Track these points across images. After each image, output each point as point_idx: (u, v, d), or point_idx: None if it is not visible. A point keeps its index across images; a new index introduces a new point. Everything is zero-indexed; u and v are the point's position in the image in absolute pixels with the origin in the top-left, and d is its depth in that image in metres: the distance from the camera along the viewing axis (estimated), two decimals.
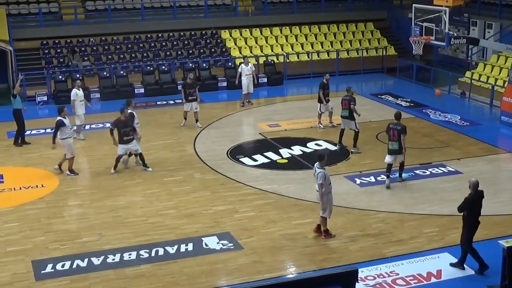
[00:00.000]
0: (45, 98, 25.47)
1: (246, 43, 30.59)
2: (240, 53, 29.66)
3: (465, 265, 12.30)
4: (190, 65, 28.17)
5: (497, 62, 27.03)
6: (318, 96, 21.40)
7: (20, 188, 16.77)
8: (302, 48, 30.80)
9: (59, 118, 17.26)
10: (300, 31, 31.79)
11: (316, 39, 31.56)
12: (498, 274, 11.14)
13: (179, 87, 24.46)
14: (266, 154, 19.15)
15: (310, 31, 31.95)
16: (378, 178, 17.02)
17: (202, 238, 13.70)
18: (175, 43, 30.04)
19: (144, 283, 12.02)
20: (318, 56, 30.45)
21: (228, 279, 12.24)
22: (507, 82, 23.16)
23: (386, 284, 11.89)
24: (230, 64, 28.60)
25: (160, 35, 30.17)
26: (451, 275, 12.20)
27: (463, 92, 26.31)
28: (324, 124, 21.60)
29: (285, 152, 19.31)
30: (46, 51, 28.31)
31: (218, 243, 13.51)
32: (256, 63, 28.72)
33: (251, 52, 30.00)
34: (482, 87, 25.73)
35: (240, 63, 25.64)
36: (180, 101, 22.74)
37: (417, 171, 17.52)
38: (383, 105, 24.77)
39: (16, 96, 20.13)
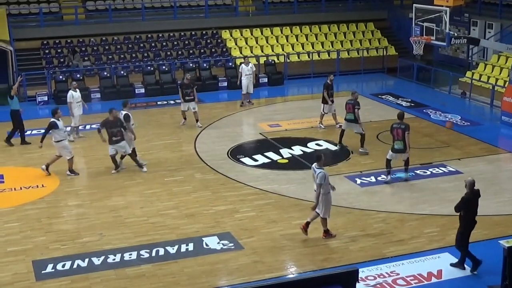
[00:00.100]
0: (45, 98, 25.47)
1: (246, 43, 30.59)
2: (241, 53, 29.66)
3: (465, 265, 12.30)
4: (191, 65, 28.18)
5: (498, 62, 27.02)
6: (322, 97, 21.37)
7: (21, 188, 16.78)
8: (303, 48, 30.81)
9: (52, 119, 17.25)
10: (301, 31, 31.80)
11: (316, 39, 31.56)
12: (498, 274, 11.13)
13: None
14: (266, 154, 19.15)
15: (310, 31, 31.95)
16: (379, 178, 17.03)
17: (203, 238, 13.70)
18: (175, 43, 30.05)
19: (144, 283, 12.02)
20: (319, 56, 30.45)
21: (229, 279, 12.24)
22: (507, 82, 23.17)
23: (387, 284, 11.89)
24: (230, 64, 28.61)
25: (160, 35, 30.17)
26: (452, 275, 12.20)
27: (464, 92, 26.31)
28: (326, 124, 21.56)
29: (285, 152, 19.31)
30: (47, 51, 28.31)
31: (218, 243, 13.52)
32: (257, 63, 28.73)
33: (251, 52, 30.00)
34: (482, 87, 25.73)
35: (241, 63, 25.65)
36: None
37: (418, 171, 17.52)
38: (384, 105, 24.77)
39: (14, 97, 20.17)
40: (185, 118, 22.15)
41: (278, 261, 12.84)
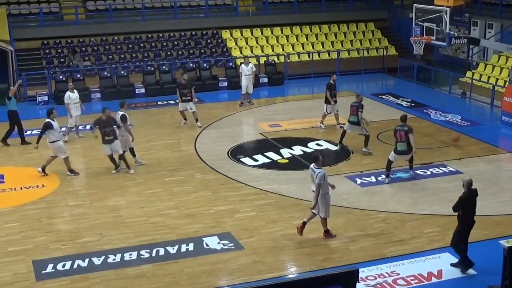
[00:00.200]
0: (45, 98, 25.48)
1: (247, 43, 30.60)
2: (241, 53, 29.66)
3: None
4: (191, 65, 28.19)
5: (498, 62, 27.01)
6: (325, 97, 21.35)
7: (21, 188, 16.78)
8: (303, 48, 30.80)
9: (47, 120, 17.25)
10: (301, 31, 31.79)
11: (317, 39, 31.56)
12: (498, 274, 11.13)
13: None
14: (266, 154, 19.15)
15: (311, 31, 31.95)
16: (379, 178, 17.03)
17: (203, 238, 13.70)
18: (175, 43, 30.05)
19: (144, 283, 12.03)
20: (319, 56, 30.45)
21: (229, 279, 12.24)
22: (507, 82, 23.17)
23: (387, 284, 11.89)
24: (231, 64, 28.61)
25: (161, 35, 30.17)
26: (452, 275, 12.20)
27: (464, 92, 26.31)
28: (327, 124, 21.54)
29: (285, 152, 19.30)
30: (47, 51, 28.32)
31: (218, 243, 13.52)
32: (257, 63, 28.74)
33: (252, 52, 30.00)
34: (482, 87, 25.72)
35: (241, 63, 25.65)
36: None
37: (418, 171, 17.51)
38: (384, 105, 24.77)
39: (11, 98, 20.21)
40: (185, 119, 22.16)
41: (278, 261, 12.84)
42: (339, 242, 13.49)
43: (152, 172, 17.73)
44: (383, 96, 26.04)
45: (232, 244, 13.46)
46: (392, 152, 16.74)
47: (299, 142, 20.17)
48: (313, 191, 13.36)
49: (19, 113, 20.48)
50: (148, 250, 13.19)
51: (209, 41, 30.48)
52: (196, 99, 22.47)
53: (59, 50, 28.51)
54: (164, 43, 29.89)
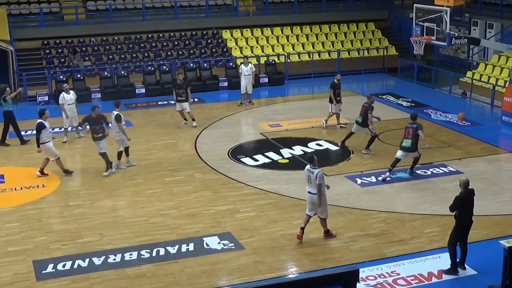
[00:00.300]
0: (46, 98, 25.48)
1: (247, 43, 30.60)
2: (241, 53, 29.67)
3: (465, 265, 12.29)
4: (191, 65, 28.19)
5: (498, 62, 27.02)
6: (329, 96, 21.33)
7: (21, 188, 16.79)
8: (303, 48, 30.81)
9: (39, 121, 17.24)
10: (301, 31, 31.80)
11: (317, 39, 31.57)
12: (499, 274, 11.12)
13: None
14: (267, 154, 19.16)
15: (311, 31, 31.96)
16: (379, 178, 17.03)
17: (203, 238, 13.71)
18: (176, 43, 30.05)
19: (145, 283, 12.03)
20: (319, 56, 30.45)
21: (229, 279, 12.24)
22: (508, 82, 23.16)
23: (387, 284, 11.89)
24: (231, 64, 28.61)
25: (161, 35, 30.18)
26: (452, 275, 12.17)
27: (464, 92, 26.31)
28: (328, 124, 21.52)
29: (286, 152, 19.30)
30: (47, 51, 28.32)
31: (219, 243, 13.52)
32: (257, 63, 28.75)
33: (252, 52, 30.01)
34: (483, 87, 25.72)
35: (241, 63, 25.65)
36: None
37: (418, 171, 17.51)
38: (384, 105, 24.75)
39: (7, 100, 20.28)
40: (185, 119, 22.19)
41: (278, 261, 12.84)
42: (339, 242, 13.49)
43: (152, 172, 17.74)
44: (384, 96, 26.04)
45: (233, 244, 13.46)
46: (399, 149, 16.81)
47: (299, 142, 20.17)
48: (309, 192, 13.28)
49: (19, 113, 20.50)
50: (149, 250, 13.19)
51: (209, 41, 30.49)
52: (191, 100, 22.42)
53: (60, 50, 28.51)
54: (165, 43, 29.89)
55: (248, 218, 14.76)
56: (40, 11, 28.90)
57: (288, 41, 31.13)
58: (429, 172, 17.53)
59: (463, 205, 11.91)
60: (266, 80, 28.31)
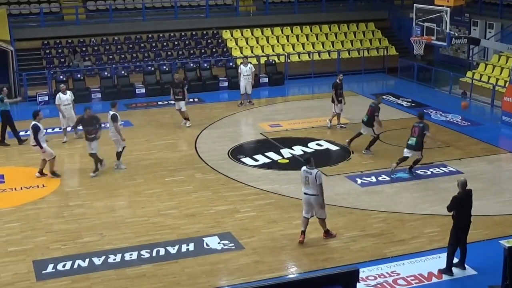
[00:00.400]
0: (46, 98, 25.47)
1: (247, 43, 30.60)
2: (241, 53, 29.67)
3: (466, 265, 12.29)
4: (191, 65, 28.20)
5: (498, 62, 27.02)
6: (331, 96, 21.33)
7: (21, 188, 16.78)
8: (303, 48, 30.81)
9: (34, 122, 17.22)
10: (301, 31, 31.80)
11: (317, 39, 31.57)
12: (499, 274, 11.12)
13: None
14: (267, 154, 19.15)
15: (311, 31, 31.97)
16: (379, 178, 17.04)
17: (203, 238, 13.70)
18: (176, 43, 30.06)
19: (145, 283, 12.03)
20: (319, 56, 30.45)
21: (229, 279, 12.24)
22: (508, 82, 23.16)
23: (387, 284, 11.89)
24: (231, 64, 28.61)
25: (161, 35, 30.18)
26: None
27: (464, 92, 26.31)
28: (333, 124, 21.52)
29: (286, 152, 19.30)
30: (47, 51, 28.33)
31: (219, 243, 13.52)
32: (257, 63, 28.76)
33: (252, 52, 30.02)
34: (483, 87, 25.73)
35: (241, 63, 25.65)
36: None
37: (418, 171, 17.52)
38: (384, 105, 24.68)
39: (4, 99, 20.30)
40: (185, 119, 22.20)
41: (278, 261, 12.84)
42: (339, 242, 13.49)
43: (153, 172, 17.74)
44: (384, 96, 25.96)
45: (233, 244, 13.46)
46: (405, 148, 17.02)
47: (299, 142, 20.17)
48: (306, 193, 13.16)
49: (19, 113, 20.51)
50: (149, 250, 13.19)
51: (209, 41, 30.49)
52: (188, 99, 22.42)
53: (60, 50, 28.52)
54: (165, 43, 29.90)
55: (248, 218, 14.76)
56: (40, 11, 28.91)
57: (288, 41, 31.13)
58: (429, 172, 17.53)
59: (461, 205, 11.91)
60: (266, 80, 28.32)
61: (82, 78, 26.54)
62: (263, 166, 18.26)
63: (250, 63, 25.44)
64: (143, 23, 29.93)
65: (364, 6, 33.91)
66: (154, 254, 13.07)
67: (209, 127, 22.10)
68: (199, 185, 16.82)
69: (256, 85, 26.15)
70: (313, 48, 30.91)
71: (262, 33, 31.23)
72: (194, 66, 28.22)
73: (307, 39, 31.44)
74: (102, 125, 17.92)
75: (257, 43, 30.72)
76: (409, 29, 26.32)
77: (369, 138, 19.01)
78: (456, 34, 25.90)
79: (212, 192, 16.35)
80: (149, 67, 27.58)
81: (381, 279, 12.02)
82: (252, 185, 16.77)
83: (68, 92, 20.77)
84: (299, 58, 30.19)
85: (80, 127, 18.69)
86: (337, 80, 21.30)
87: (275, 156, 18.98)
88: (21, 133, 20.52)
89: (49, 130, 21.36)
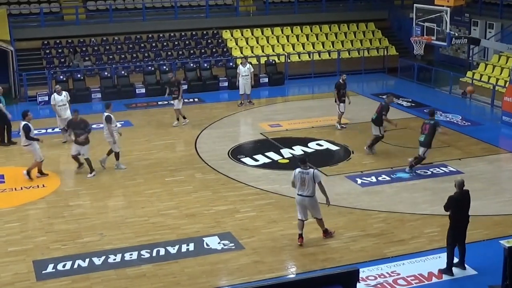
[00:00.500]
0: (46, 98, 25.44)
1: (247, 43, 30.60)
2: (242, 53, 29.67)
3: (466, 265, 12.29)
4: (191, 65, 28.20)
5: (498, 62, 27.02)
6: (334, 97, 21.31)
7: (21, 188, 16.78)
8: (303, 48, 30.81)
9: (24, 122, 17.20)
10: (302, 31, 31.80)
11: (317, 39, 31.57)
12: (499, 274, 11.11)
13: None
14: (267, 154, 19.15)
15: (311, 31, 31.96)
16: (379, 178, 17.04)
17: (203, 238, 13.70)
18: (176, 43, 30.06)
19: (145, 283, 12.03)
20: (320, 56, 30.45)
21: (229, 279, 12.24)
22: (508, 82, 23.16)
23: (387, 284, 11.89)
24: (231, 64, 28.60)
25: (161, 35, 30.18)
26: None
27: (464, 92, 26.30)
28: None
29: (286, 152, 19.30)
30: (47, 51, 28.32)
31: (219, 243, 13.52)
32: (258, 63, 28.76)
33: (252, 52, 30.02)
34: (483, 87, 25.72)
35: (240, 63, 25.65)
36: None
37: (418, 171, 17.51)
38: None
39: (1, 99, 20.35)
40: (184, 118, 22.21)
41: (278, 261, 12.84)
42: (339, 242, 13.49)
43: (153, 172, 17.74)
44: (384, 96, 25.94)
45: (233, 244, 13.46)
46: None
47: (299, 142, 20.17)
48: (301, 195, 13.05)
49: (18, 113, 20.49)
50: (149, 250, 13.19)
51: (209, 41, 30.49)
52: (183, 99, 22.39)
53: (60, 50, 28.51)
54: (165, 43, 29.89)
55: (248, 218, 14.76)
56: (40, 11, 28.90)
57: (288, 41, 31.13)
58: (429, 172, 17.53)
59: (458, 205, 11.90)
60: (266, 80, 28.31)
61: (82, 78, 26.53)
62: (263, 166, 18.26)
63: (250, 63, 25.43)
64: (143, 23, 29.93)
65: (364, 6, 33.91)
66: (154, 254, 13.07)
67: (209, 127, 22.10)
68: (199, 185, 16.82)
69: (256, 85, 26.16)
70: (313, 48, 30.91)
71: (262, 33, 31.23)
72: (194, 66, 28.22)
73: (307, 39, 31.43)
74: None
75: (257, 43, 30.72)
76: (409, 29, 26.32)
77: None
78: (456, 34, 25.90)
79: (212, 192, 16.35)
80: (149, 67, 27.58)
81: (381, 279, 12.02)
82: (252, 185, 16.77)
83: (64, 93, 20.68)
84: (299, 58, 30.19)
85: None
86: (340, 81, 21.29)
87: (275, 156, 18.98)
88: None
89: (49, 130, 21.45)
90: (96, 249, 13.29)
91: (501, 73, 26.07)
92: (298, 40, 31.29)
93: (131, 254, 13.03)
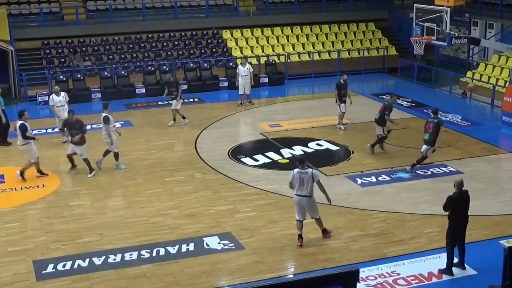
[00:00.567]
0: (46, 98, 25.39)
1: (247, 43, 30.60)
2: (241, 53, 29.67)
3: (465, 265, 12.29)
4: (191, 65, 28.20)
5: (498, 62, 27.02)
6: (335, 97, 21.30)
7: (21, 188, 16.78)
8: (303, 48, 30.81)
9: (21, 122, 17.20)
10: (301, 31, 31.80)
11: (317, 39, 31.57)
12: (499, 274, 11.11)
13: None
14: (267, 154, 19.15)
15: (311, 31, 31.96)
16: (379, 178, 17.04)
17: (203, 238, 13.70)
18: (176, 43, 30.06)
19: (145, 283, 12.03)
20: (320, 56, 30.45)
21: (229, 279, 12.24)
22: (508, 82, 23.16)
23: (387, 284, 11.89)
24: (231, 64, 28.60)
25: (161, 35, 30.18)
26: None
27: (464, 92, 26.31)
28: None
29: (286, 152, 19.30)
30: (47, 51, 28.32)
31: (219, 243, 13.52)
32: (258, 63, 28.76)
33: (252, 52, 30.02)
34: (483, 87, 25.72)
35: (240, 63, 25.65)
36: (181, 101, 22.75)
37: (418, 171, 17.51)
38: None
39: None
40: (183, 117, 22.21)
41: (278, 261, 12.84)
42: (339, 242, 13.49)
43: (153, 172, 17.74)
44: (384, 96, 25.97)
45: (233, 244, 13.46)
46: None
47: (299, 142, 20.17)
48: (299, 195, 13.02)
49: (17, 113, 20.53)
50: (149, 250, 13.19)
51: (209, 41, 30.49)
52: (181, 99, 22.39)
53: (60, 50, 28.52)
54: (165, 43, 29.90)
55: (248, 218, 14.76)
56: (40, 11, 28.90)
57: (288, 41, 31.13)
58: (429, 172, 17.53)
59: (457, 205, 11.90)
60: (266, 80, 28.31)
61: (82, 78, 26.53)
62: (263, 166, 18.26)
63: (250, 63, 25.43)
64: (143, 23, 29.93)
65: (364, 6, 33.91)
66: (154, 254, 13.07)
67: (209, 127, 22.11)
68: (199, 185, 16.82)
69: (256, 85, 26.16)
70: (313, 48, 30.91)
71: (262, 33, 31.23)
72: (194, 66, 28.22)
73: (307, 39, 31.44)
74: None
75: (257, 43, 30.72)
76: (409, 29, 26.33)
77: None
78: (456, 34, 25.90)
79: (212, 192, 16.35)
80: (149, 67, 27.58)
81: (381, 279, 12.02)
82: (252, 185, 16.77)
83: (62, 94, 20.65)
84: (299, 58, 30.19)
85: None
86: (341, 81, 21.29)
87: (275, 156, 18.98)
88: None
89: (49, 130, 21.46)
90: (96, 249, 13.29)
91: (501, 73, 26.07)
92: (298, 40, 31.29)
93: (131, 254, 13.03)
